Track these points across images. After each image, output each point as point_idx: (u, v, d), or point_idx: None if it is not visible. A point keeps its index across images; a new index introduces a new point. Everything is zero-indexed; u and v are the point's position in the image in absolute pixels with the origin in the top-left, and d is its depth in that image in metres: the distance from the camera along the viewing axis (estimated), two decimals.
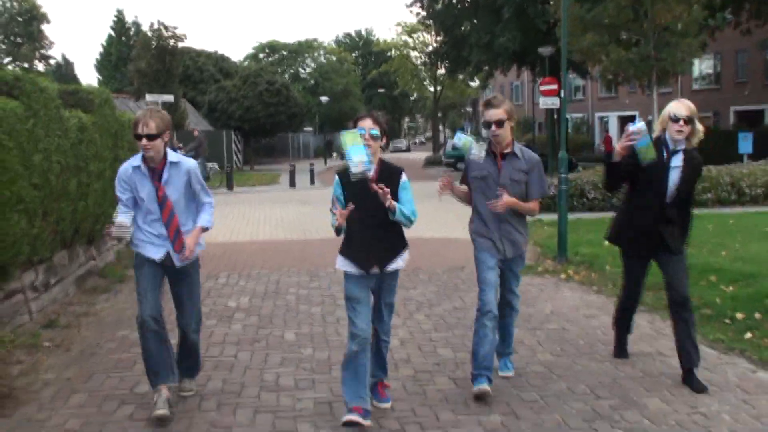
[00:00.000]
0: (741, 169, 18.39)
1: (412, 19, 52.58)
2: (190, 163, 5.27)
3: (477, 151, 5.35)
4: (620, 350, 6.31)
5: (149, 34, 35.18)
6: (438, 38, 41.84)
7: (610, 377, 5.86)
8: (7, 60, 61.16)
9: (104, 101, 10.39)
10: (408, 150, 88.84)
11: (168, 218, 5.16)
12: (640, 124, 5.38)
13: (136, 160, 5.17)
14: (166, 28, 34.76)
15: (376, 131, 4.88)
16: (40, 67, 63.88)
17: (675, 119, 5.48)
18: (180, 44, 36.18)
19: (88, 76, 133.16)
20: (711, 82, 47.71)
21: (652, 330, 7.22)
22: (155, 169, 5.12)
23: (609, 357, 6.33)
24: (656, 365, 6.13)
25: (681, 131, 5.48)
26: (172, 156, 5.21)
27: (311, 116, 63.83)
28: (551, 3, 22.82)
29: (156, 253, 5.16)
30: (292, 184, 29.11)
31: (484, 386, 5.28)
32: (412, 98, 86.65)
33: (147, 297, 5.10)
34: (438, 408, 5.24)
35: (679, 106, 5.54)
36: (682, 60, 21.56)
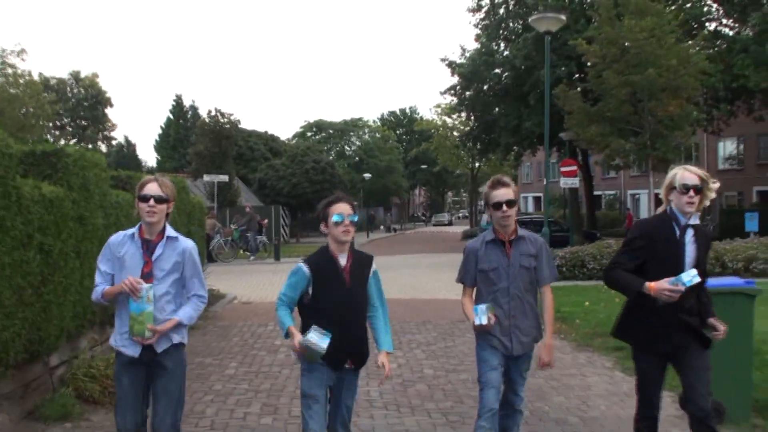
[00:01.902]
0: (724, 245, 20.63)
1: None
2: (189, 243, 4.85)
3: (484, 319, 4.94)
4: None
5: (207, 120, 38.84)
6: (470, 122, 44.83)
7: None
8: (72, 141, 65.63)
9: (182, 188, 13.35)
10: (450, 224, 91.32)
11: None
12: (693, 278, 4.62)
13: (132, 230, 4.80)
14: (222, 114, 38.46)
15: (354, 216, 4.66)
16: (102, 148, 68.33)
17: (684, 190, 4.75)
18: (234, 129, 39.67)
19: (147, 156, 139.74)
20: (735, 164, 49.85)
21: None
22: (150, 242, 4.73)
23: None
24: None
25: (692, 203, 4.77)
26: (171, 231, 4.83)
27: (355, 192, 67.01)
28: (559, 99, 25.62)
29: (133, 349, 4.71)
30: None
31: None
32: (455, 173, 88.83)
33: (127, 409, 4.74)
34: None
35: (688, 175, 4.79)
36: (676, 147, 24.25)
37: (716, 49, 30.72)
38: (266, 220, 33.64)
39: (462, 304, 5.33)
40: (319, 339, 4.42)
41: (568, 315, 12.94)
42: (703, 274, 4.82)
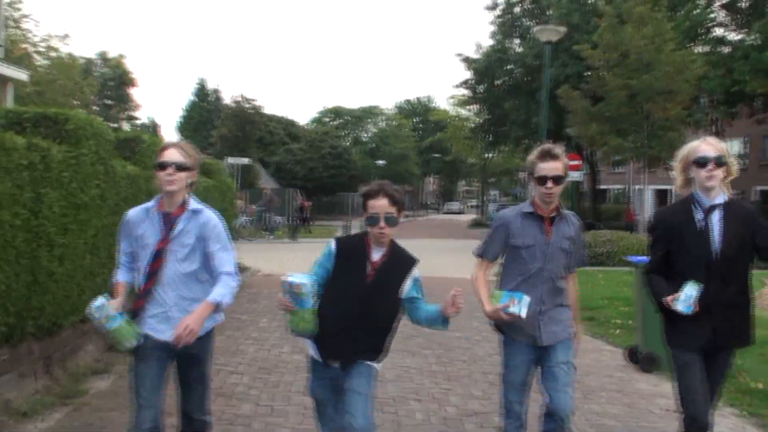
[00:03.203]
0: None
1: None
2: (214, 215, 4.34)
3: (524, 311, 4.31)
4: None
5: (232, 105, 40.75)
6: (482, 115, 46.61)
7: None
8: (73, 112, 67.27)
9: (219, 169, 15.21)
10: (461, 212, 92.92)
11: (149, 274, 4.22)
12: (690, 301, 4.18)
13: (151, 202, 4.32)
14: (246, 100, 40.42)
15: (393, 215, 4.05)
16: (126, 127, 70.31)
17: (702, 162, 4.26)
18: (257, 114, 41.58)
19: (170, 137, 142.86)
20: (741, 164, 51.19)
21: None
22: (170, 215, 4.23)
23: None
24: None
25: (712, 176, 4.24)
26: (195, 203, 4.33)
27: (369, 177, 68.54)
28: (562, 98, 27.39)
29: (167, 333, 4.15)
30: None
31: None
32: (468, 163, 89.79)
33: (146, 402, 4.21)
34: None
35: (704, 147, 4.30)
36: (670, 148, 26.03)
37: (719, 53, 32.43)
38: (311, 203, 35.83)
39: (473, 279, 4.67)
40: (304, 278, 3.99)
41: None
42: (744, 262, 4.33)
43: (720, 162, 4.26)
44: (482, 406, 6.92)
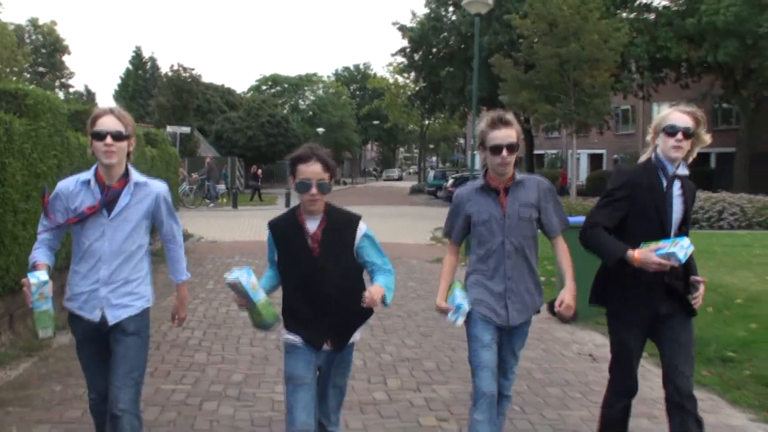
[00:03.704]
0: None
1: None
2: (162, 187, 4.07)
3: (460, 321, 4.21)
4: None
5: (170, 74, 40.77)
6: (419, 82, 47.37)
7: None
8: (30, 86, 66.52)
9: (162, 139, 15.69)
10: (400, 179, 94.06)
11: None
12: (687, 249, 3.99)
13: (86, 174, 3.92)
14: (184, 69, 40.44)
15: (325, 181, 3.79)
16: (60, 95, 69.43)
17: (671, 131, 4.09)
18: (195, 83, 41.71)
19: (107, 105, 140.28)
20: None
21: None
22: (110, 189, 3.88)
23: None
24: None
25: (678, 147, 4.10)
26: (137, 175, 4.00)
27: None
28: (494, 66, 28.31)
29: (91, 312, 3.92)
30: (287, 204, 34.15)
31: None
32: (406, 130, 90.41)
33: (96, 382, 4.05)
34: None
35: (678, 115, 4.12)
36: (596, 115, 27.38)
37: (645, 20, 33.68)
38: (260, 170, 36.58)
39: (443, 264, 4.54)
40: (238, 273, 3.77)
41: None
42: (687, 231, 4.26)
43: (688, 133, 4.09)
44: (414, 354, 7.67)
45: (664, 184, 4.15)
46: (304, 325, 3.89)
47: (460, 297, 4.23)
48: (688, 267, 4.16)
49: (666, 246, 3.96)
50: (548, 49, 25.86)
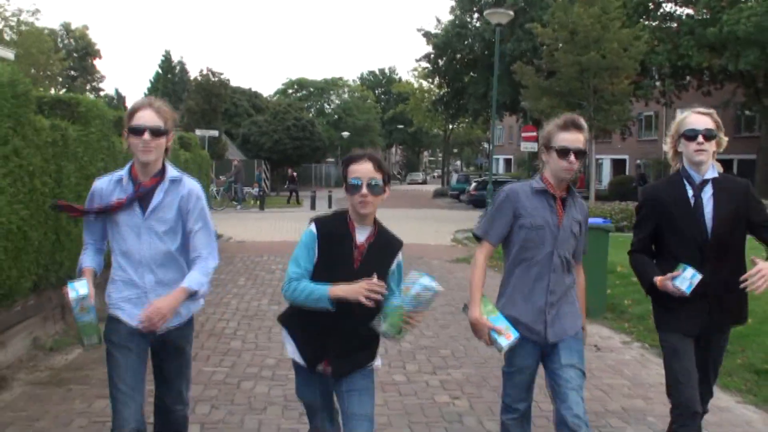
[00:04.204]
0: None
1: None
2: (195, 184, 3.82)
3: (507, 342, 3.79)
4: None
5: (199, 78, 41.66)
6: (442, 88, 47.98)
7: None
8: (62, 91, 68.09)
9: (195, 143, 16.42)
10: (424, 183, 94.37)
11: None
12: (693, 278, 3.85)
13: (120, 171, 3.76)
14: (213, 73, 41.31)
15: (378, 181, 3.55)
16: (91, 98, 70.42)
17: (692, 135, 3.98)
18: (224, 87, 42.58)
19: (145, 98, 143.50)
20: None
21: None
22: (141, 185, 3.68)
23: None
24: None
25: (702, 150, 3.97)
26: (173, 171, 3.78)
27: (333, 149, 69.60)
28: (516, 73, 28.87)
29: (132, 317, 3.68)
30: (313, 207, 34.79)
31: None
32: (431, 134, 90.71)
33: (127, 398, 3.64)
34: None
35: (695, 118, 4.02)
36: (616, 121, 27.94)
37: (667, 29, 34.11)
38: (296, 173, 38.27)
39: (473, 264, 4.04)
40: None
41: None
42: (738, 239, 4.08)
43: (710, 135, 3.97)
44: (432, 343, 8.29)
45: (690, 193, 4.01)
46: (306, 338, 3.68)
47: (504, 322, 3.84)
48: (734, 277, 3.94)
49: (679, 273, 3.89)
50: (569, 57, 26.33)
